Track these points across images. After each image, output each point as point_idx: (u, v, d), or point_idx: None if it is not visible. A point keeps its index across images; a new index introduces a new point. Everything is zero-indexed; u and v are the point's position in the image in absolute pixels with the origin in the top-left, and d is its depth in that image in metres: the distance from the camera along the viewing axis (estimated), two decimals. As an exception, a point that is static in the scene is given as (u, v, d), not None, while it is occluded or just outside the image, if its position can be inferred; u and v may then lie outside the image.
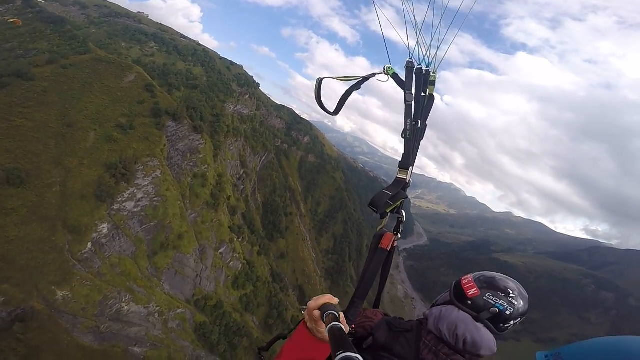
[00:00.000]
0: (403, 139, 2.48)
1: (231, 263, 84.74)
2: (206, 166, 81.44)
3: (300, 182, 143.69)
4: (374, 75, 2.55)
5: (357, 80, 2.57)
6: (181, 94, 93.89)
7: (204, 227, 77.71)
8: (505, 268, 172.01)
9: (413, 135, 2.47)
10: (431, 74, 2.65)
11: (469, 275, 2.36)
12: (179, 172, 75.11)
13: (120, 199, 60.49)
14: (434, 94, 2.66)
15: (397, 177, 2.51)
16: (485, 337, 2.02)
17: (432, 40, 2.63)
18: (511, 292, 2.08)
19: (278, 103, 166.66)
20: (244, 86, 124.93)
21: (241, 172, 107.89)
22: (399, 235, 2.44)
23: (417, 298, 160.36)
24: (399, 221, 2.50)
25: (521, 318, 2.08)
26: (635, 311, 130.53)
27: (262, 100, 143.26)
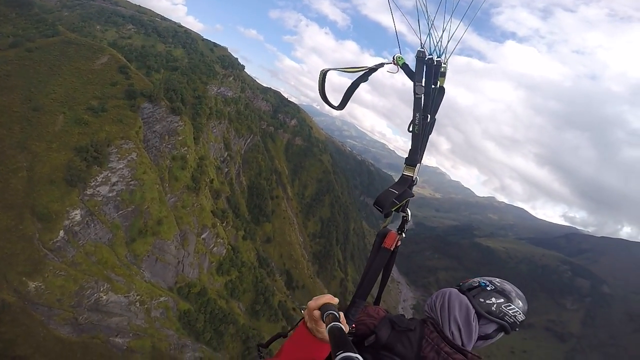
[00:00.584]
0: (410, 133, 2.30)
1: (215, 249, 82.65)
2: (186, 148, 78.38)
3: (286, 164, 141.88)
4: (382, 65, 2.38)
5: (364, 71, 2.41)
6: (160, 76, 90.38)
7: (185, 211, 74.82)
8: (488, 253, 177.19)
9: (422, 130, 2.31)
10: (442, 64, 2.42)
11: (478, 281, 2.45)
12: (156, 154, 71.83)
13: (93, 183, 57.06)
14: (444, 87, 2.47)
15: (403, 175, 2.35)
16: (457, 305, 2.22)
17: (444, 30, 2.39)
18: (519, 302, 2.27)
19: (265, 86, 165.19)
20: (228, 68, 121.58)
21: (225, 155, 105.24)
22: (404, 235, 2.35)
23: (402, 282, 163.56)
24: (404, 220, 2.37)
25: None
26: (608, 298, 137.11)
27: (248, 83, 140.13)
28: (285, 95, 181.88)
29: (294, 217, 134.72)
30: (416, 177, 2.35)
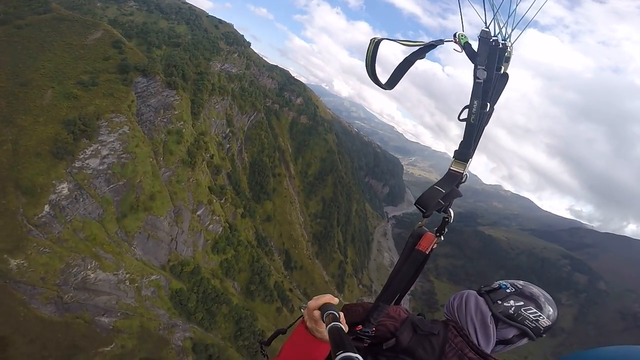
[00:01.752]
0: (464, 123, 2.00)
1: (210, 226, 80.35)
2: (182, 123, 75.73)
3: (290, 142, 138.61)
4: (442, 42, 2.15)
5: (421, 47, 2.14)
6: (162, 52, 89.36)
7: (180, 186, 71.98)
8: (489, 242, 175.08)
9: (478, 120, 1.99)
10: (507, 48, 2.13)
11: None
12: (150, 128, 69.32)
13: (82, 156, 54.45)
14: (508, 73, 2.18)
15: (450, 170, 2.05)
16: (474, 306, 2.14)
17: (511, 12, 2.12)
18: (549, 308, 2.14)
19: (272, 63, 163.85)
20: (233, 44, 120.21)
21: (227, 131, 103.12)
22: (442, 238, 2.11)
23: None
24: (445, 221, 2.09)
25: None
26: (603, 295, 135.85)
27: (254, 60, 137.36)
28: (294, 75, 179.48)
29: (295, 195, 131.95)
30: (466, 174, 2.02)
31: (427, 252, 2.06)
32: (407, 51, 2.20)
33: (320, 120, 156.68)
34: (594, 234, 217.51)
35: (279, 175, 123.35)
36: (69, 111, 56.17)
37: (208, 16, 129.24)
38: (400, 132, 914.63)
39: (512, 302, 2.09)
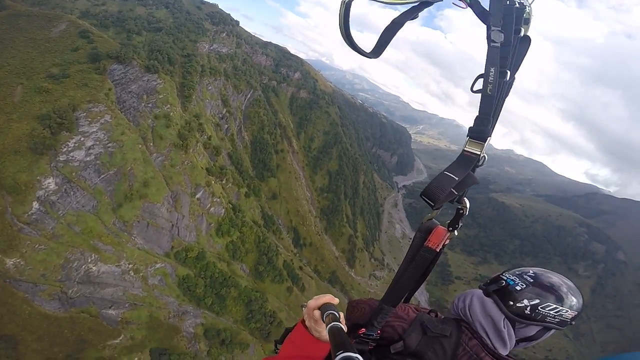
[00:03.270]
0: (480, 95, 1.64)
1: (212, 209, 77.84)
2: (168, 106, 72.66)
3: (291, 118, 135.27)
4: None
5: (411, 4, 1.68)
6: (143, 39, 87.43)
7: (175, 170, 68.95)
8: (502, 210, 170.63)
9: (497, 91, 1.61)
10: (526, 8, 1.73)
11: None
12: (135, 114, 66.98)
13: (65, 149, 52.22)
14: (529, 35, 1.77)
15: (464, 151, 1.67)
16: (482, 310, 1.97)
17: None
18: (572, 298, 1.87)
19: (265, 40, 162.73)
20: (219, 24, 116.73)
21: (224, 111, 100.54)
22: (455, 233, 1.83)
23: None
24: (459, 213, 1.78)
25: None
26: (622, 266, 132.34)
27: (244, 38, 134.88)
28: (293, 52, 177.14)
29: (300, 171, 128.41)
30: (484, 156, 1.67)
31: (438, 250, 1.79)
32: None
33: (320, 93, 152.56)
34: (611, 200, 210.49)
35: (282, 151, 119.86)
36: (42, 105, 53.98)
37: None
38: (406, 101, 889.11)
39: (525, 301, 1.83)
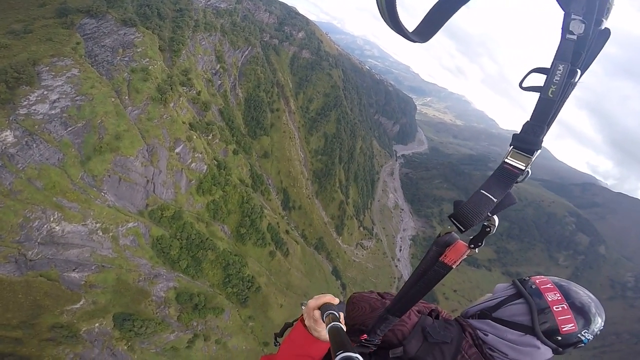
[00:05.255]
0: (538, 96, 1.35)
1: (193, 164, 72.74)
2: (147, 60, 66.25)
3: (291, 78, 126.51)
4: None
5: None
6: None
7: (151, 124, 62.86)
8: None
9: (561, 94, 1.33)
10: None
11: (554, 288, 1.76)
12: (109, 68, 61.75)
13: (25, 103, 48.27)
14: (609, 28, 1.41)
15: (505, 164, 1.42)
16: None
17: None
18: (599, 320, 1.68)
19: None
20: None
21: (217, 67, 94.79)
22: (477, 251, 1.65)
23: (406, 210, 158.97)
24: (485, 231, 1.56)
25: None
26: (600, 260, 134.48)
27: None
28: (302, 12, 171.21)
29: (295, 131, 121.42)
30: (528, 170, 1.40)
31: (454, 267, 1.64)
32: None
33: (324, 55, 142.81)
34: (606, 193, 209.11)
35: (278, 110, 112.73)
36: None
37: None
38: (416, 72, 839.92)
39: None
